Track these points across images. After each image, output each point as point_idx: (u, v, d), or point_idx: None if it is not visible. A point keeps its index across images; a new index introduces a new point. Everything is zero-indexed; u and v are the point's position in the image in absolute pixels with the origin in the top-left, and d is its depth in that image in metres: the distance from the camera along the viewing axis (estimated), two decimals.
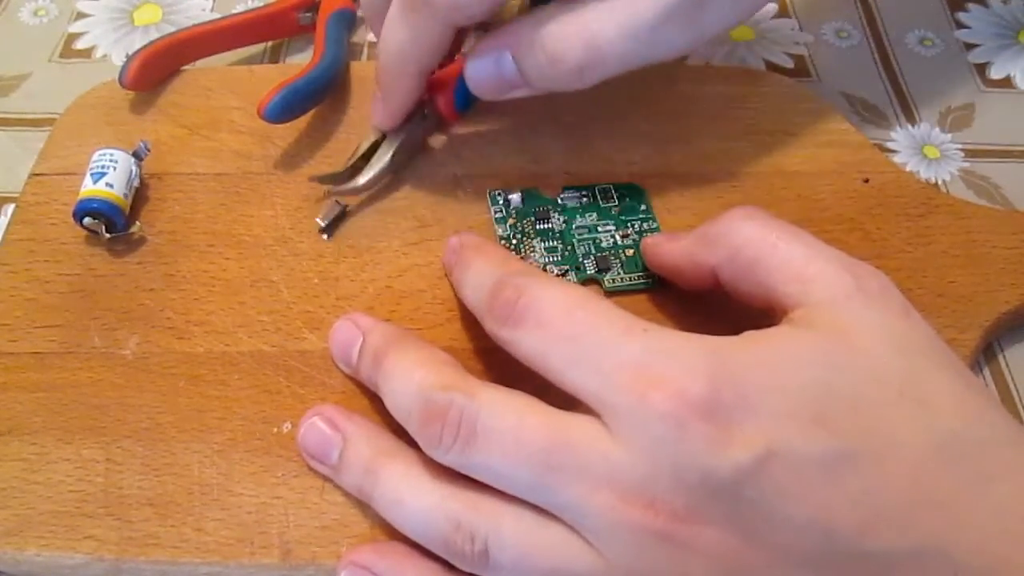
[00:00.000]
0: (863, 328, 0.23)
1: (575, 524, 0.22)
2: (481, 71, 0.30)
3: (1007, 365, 0.32)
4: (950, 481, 0.21)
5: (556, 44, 0.28)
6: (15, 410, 0.28)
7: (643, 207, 0.34)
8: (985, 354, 0.32)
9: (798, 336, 0.23)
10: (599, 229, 0.33)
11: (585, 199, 0.34)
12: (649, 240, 0.31)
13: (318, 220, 0.33)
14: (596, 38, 0.28)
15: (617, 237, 0.33)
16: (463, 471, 0.23)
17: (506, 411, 0.23)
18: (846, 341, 0.22)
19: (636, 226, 0.33)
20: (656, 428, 0.21)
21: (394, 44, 0.30)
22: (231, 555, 0.26)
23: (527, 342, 0.23)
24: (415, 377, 0.24)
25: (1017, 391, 0.32)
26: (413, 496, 0.24)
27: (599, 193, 0.34)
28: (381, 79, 0.32)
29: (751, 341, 0.23)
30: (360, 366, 0.28)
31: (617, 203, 0.34)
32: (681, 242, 0.28)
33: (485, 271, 0.26)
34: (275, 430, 0.28)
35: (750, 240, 0.25)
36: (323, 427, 0.27)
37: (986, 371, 0.32)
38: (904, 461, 0.21)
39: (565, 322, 0.23)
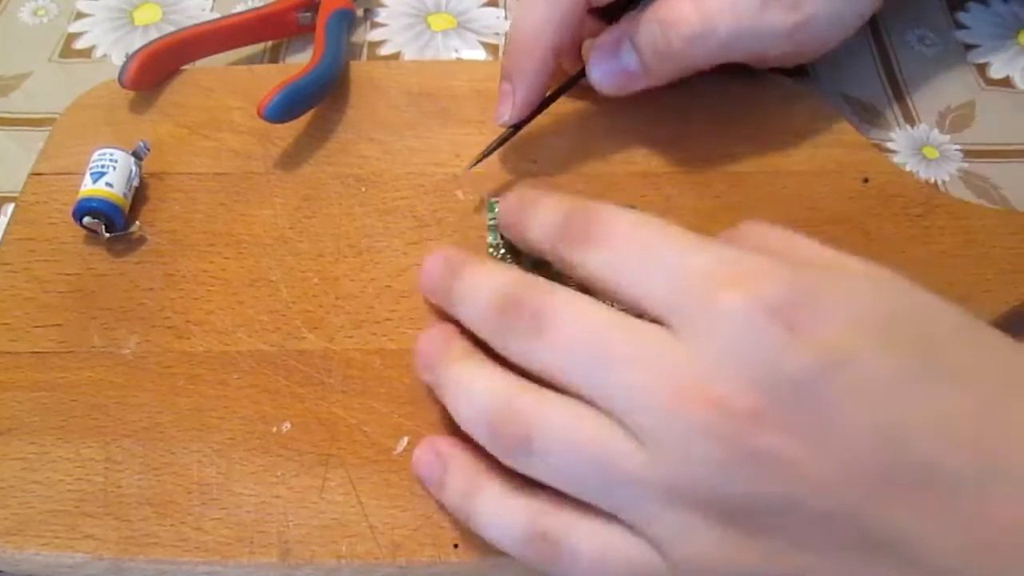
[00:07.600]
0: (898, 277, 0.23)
1: (624, 417, 0.21)
2: (603, 64, 0.34)
3: None
4: (1016, 406, 0.21)
5: (670, 13, 0.32)
6: (15, 410, 0.28)
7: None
8: None
9: (862, 269, 0.23)
10: None
11: None
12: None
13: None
14: (707, 5, 0.32)
15: None
16: (525, 363, 0.23)
17: (578, 301, 0.23)
18: (900, 279, 0.23)
19: None
20: (725, 325, 0.21)
21: (529, 21, 0.33)
22: (230, 554, 0.26)
23: (598, 258, 0.23)
24: (491, 283, 0.25)
25: None
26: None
27: None
28: (512, 62, 0.33)
29: (818, 265, 0.23)
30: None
31: None
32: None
33: (551, 208, 0.26)
34: (274, 430, 0.28)
35: None
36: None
37: None
38: (973, 384, 0.21)
39: (636, 236, 0.23)
